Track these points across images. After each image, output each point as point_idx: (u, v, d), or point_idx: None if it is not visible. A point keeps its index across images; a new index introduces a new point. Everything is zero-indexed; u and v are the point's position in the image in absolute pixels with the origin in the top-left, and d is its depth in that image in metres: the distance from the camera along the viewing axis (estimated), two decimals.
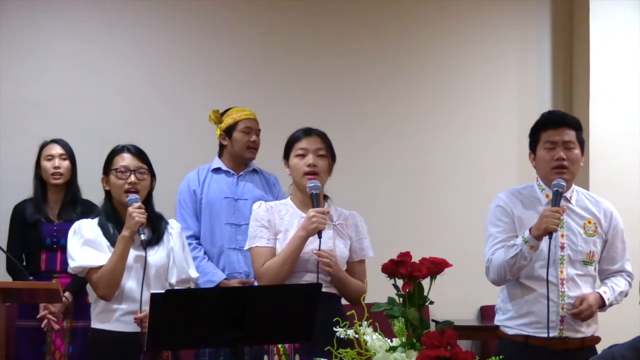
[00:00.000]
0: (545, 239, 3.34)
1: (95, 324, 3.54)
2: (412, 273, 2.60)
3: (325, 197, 3.60)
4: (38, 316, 4.45)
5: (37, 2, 5.42)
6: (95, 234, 3.53)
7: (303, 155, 3.54)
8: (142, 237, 3.45)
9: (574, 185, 3.58)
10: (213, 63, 5.63)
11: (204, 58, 5.62)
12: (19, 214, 4.65)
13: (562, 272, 3.42)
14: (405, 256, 2.65)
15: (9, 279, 4.55)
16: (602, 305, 3.46)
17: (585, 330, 3.45)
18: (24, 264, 4.58)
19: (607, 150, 5.67)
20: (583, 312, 3.37)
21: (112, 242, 3.49)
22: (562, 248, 3.44)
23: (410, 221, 5.75)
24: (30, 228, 4.59)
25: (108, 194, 3.61)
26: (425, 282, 2.66)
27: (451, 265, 2.69)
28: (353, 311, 2.63)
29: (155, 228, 3.60)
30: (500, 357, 2.57)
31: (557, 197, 3.40)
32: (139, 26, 5.57)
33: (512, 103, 5.91)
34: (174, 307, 2.66)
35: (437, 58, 5.92)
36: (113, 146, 3.69)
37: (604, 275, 3.57)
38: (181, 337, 2.74)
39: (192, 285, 3.73)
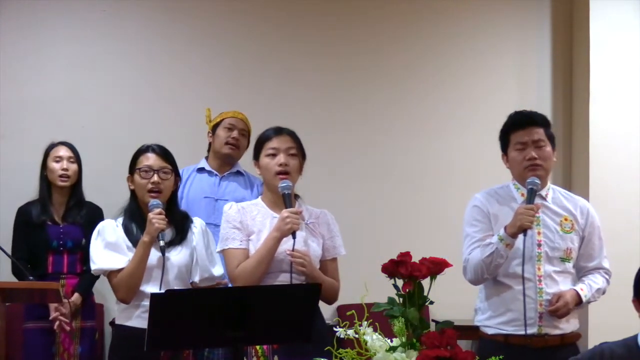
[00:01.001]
0: (521, 236, 3.36)
1: (120, 320, 3.56)
2: (412, 273, 2.60)
3: (296, 196, 3.58)
4: (50, 318, 4.46)
5: (37, 3, 5.42)
6: (117, 236, 3.54)
7: (274, 155, 3.50)
8: (162, 243, 3.45)
9: (549, 183, 3.62)
10: (213, 63, 5.64)
11: (204, 58, 5.63)
12: (24, 215, 4.65)
13: (539, 269, 3.44)
14: (405, 256, 2.64)
15: (13, 280, 4.55)
16: (579, 302, 3.47)
17: (565, 327, 3.46)
18: (29, 265, 4.58)
19: (607, 150, 5.67)
20: (559, 309, 3.39)
21: (134, 243, 3.50)
22: (539, 245, 3.46)
23: (410, 221, 5.75)
24: (36, 229, 4.59)
25: (133, 193, 3.62)
26: (425, 282, 2.66)
27: (451, 265, 2.69)
28: (353, 311, 2.63)
29: (179, 227, 3.61)
30: (500, 357, 2.57)
31: (532, 195, 3.43)
32: (139, 26, 5.58)
33: (512, 103, 5.89)
34: (174, 307, 2.66)
35: (436, 58, 5.92)
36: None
37: (582, 273, 3.58)
38: (181, 337, 2.74)
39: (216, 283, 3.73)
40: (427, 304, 2.64)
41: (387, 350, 2.55)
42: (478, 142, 5.83)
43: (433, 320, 4.83)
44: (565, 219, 3.54)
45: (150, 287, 3.48)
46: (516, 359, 3.23)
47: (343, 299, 3.70)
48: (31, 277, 4.06)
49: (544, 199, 3.54)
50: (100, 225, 3.60)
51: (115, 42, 5.52)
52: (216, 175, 4.49)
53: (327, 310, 3.86)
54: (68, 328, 4.47)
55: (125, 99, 5.50)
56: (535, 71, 5.98)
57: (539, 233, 3.47)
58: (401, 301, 2.62)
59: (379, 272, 2.68)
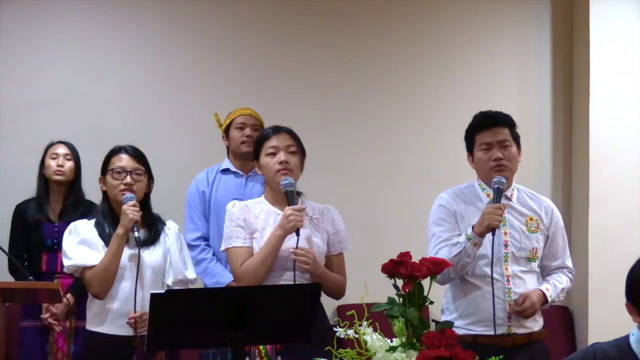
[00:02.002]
0: (488, 236, 3.38)
1: (90, 327, 3.55)
2: (412, 273, 2.60)
3: (299, 193, 3.58)
4: (42, 316, 4.46)
5: (37, 3, 5.42)
6: (91, 234, 3.53)
7: (274, 154, 3.52)
8: (136, 234, 3.45)
9: (514, 183, 3.63)
10: (213, 63, 5.63)
11: (204, 58, 5.62)
12: (20, 213, 4.66)
13: (507, 269, 3.46)
14: (405, 256, 2.65)
15: (10, 279, 4.55)
16: (545, 302, 3.50)
17: (532, 325, 3.50)
18: (26, 264, 4.58)
19: (607, 150, 5.66)
20: (526, 309, 3.42)
21: (108, 242, 3.49)
22: (506, 245, 3.49)
23: (411, 221, 5.74)
24: (31, 228, 4.60)
25: (105, 194, 3.62)
26: (425, 282, 2.66)
27: (451, 265, 2.70)
28: (353, 311, 2.63)
29: (152, 228, 3.59)
30: (500, 357, 2.58)
31: (498, 195, 3.45)
32: (139, 27, 5.57)
33: (512, 103, 5.90)
34: (174, 307, 2.66)
35: (436, 58, 5.92)
36: (113, 146, 3.69)
37: (546, 272, 3.61)
38: (181, 337, 2.74)
39: (190, 286, 3.72)
40: (427, 304, 2.65)
41: (387, 350, 2.55)
42: None
43: (433, 320, 4.82)
44: (531, 219, 3.57)
45: (124, 284, 3.47)
46: (485, 358, 3.26)
47: (343, 298, 3.70)
48: (31, 277, 4.07)
49: (509, 199, 3.56)
50: (72, 224, 3.59)
51: (115, 42, 5.51)
52: (242, 175, 4.47)
53: (327, 310, 3.85)
54: (59, 328, 4.45)
55: (125, 99, 5.50)
56: (535, 71, 5.98)
57: (505, 233, 3.50)
58: (401, 301, 2.62)
59: (379, 272, 2.68)
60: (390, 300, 2.65)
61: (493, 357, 2.55)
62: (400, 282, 2.64)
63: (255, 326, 2.69)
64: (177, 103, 5.55)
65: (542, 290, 3.50)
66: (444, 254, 3.41)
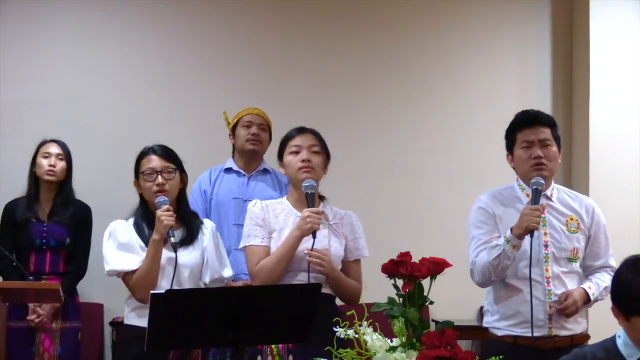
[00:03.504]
0: (527, 237, 3.35)
1: (130, 320, 3.56)
2: (412, 273, 2.60)
3: (322, 198, 3.60)
4: (27, 318, 4.43)
5: (37, 3, 5.43)
6: (129, 236, 3.54)
7: (297, 152, 3.53)
8: (172, 239, 3.45)
9: (554, 183, 3.60)
10: (213, 63, 5.63)
11: (204, 58, 5.63)
12: (9, 213, 4.62)
13: (547, 270, 3.43)
14: (405, 256, 2.65)
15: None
16: (587, 300, 3.46)
17: (574, 328, 3.46)
18: (14, 264, 4.55)
19: (607, 150, 5.66)
20: (568, 307, 3.38)
21: (146, 242, 3.50)
22: (546, 246, 3.45)
23: (410, 221, 5.74)
24: (20, 228, 4.55)
25: (142, 197, 3.62)
26: (425, 282, 2.66)
27: (451, 265, 2.69)
28: (353, 311, 2.63)
29: (189, 227, 3.60)
30: (500, 357, 2.57)
31: (537, 195, 3.41)
32: (139, 26, 5.58)
33: (512, 103, 5.89)
34: (174, 307, 2.66)
35: (436, 58, 5.92)
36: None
37: (589, 272, 3.56)
38: (181, 337, 2.74)
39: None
40: (427, 304, 2.65)
41: (387, 350, 2.55)
42: (478, 141, 5.83)
43: (433, 320, 4.83)
44: (571, 219, 3.52)
45: (163, 284, 3.48)
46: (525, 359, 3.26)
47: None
48: (31, 277, 4.06)
49: (549, 198, 3.52)
50: (111, 226, 3.58)
51: (115, 42, 5.52)
52: (244, 175, 4.48)
53: None
54: (43, 332, 4.43)
55: (125, 99, 5.50)
56: (535, 71, 5.98)
57: (545, 234, 3.45)
58: (401, 301, 2.62)
59: (379, 272, 2.68)
60: (390, 300, 2.65)
61: (493, 358, 2.54)
62: (400, 282, 2.64)
63: (255, 326, 2.69)
64: (177, 103, 5.55)
65: (584, 289, 3.45)
66: (483, 256, 3.40)
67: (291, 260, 3.42)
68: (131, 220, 3.58)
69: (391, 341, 2.59)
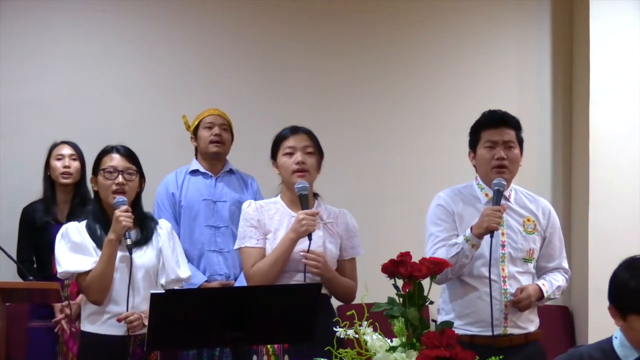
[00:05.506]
0: (487, 237, 3.38)
1: (85, 327, 3.53)
2: (412, 273, 2.60)
3: (315, 195, 3.59)
4: (53, 320, 4.45)
5: (37, 3, 5.42)
6: (82, 237, 3.51)
7: (291, 154, 3.52)
8: (128, 241, 3.44)
9: (512, 184, 3.62)
10: (213, 63, 5.63)
11: (204, 58, 5.63)
12: (28, 216, 4.64)
13: (503, 270, 3.47)
14: (405, 256, 2.65)
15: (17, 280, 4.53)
16: (541, 297, 3.51)
17: (528, 326, 3.51)
18: (35, 266, 4.56)
19: (607, 150, 5.66)
20: (522, 300, 3.42)
21: (99, 244, 3.47)
22: (503, 246, 3.49)
23: (410, 221, 5.74)
24: (40, 231, 4.57)
25: (97, 194, 3.60)
26: (425, 282, 2.66)
27: (451, 265, 2.69)
28: (353, 311, 2.63)
29: (144, 228, 3.58)
30: (500, 357, 2.58)
31: (498, 196, 3.45)
32: (139, 27, 5.57)
33: (512, 103, 5.90)
34: (174, 307, 2.66)
35: (436, 58, 5.92)
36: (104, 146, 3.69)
37: (542, 272, 3.61)
38: (181, 337, 2.74)
39: (184, 285, 3.71)
40: (427, 304, 2.65)
41: (387, 350, 2.55)
42: None
43: (433, 320, 4.82)
44: (528, 220, 3.57)
45: (118, 286, 3.45)
46: (482, 358, 3.26)
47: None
48: (31, 277, 4.06)
49: (507, 199, 3.56)
50: (63, 228, 3.57)
51: (115, 42, 5.52)
52: (211, 176, 4.48)
53: None
54: (69, 331, 4.44)
55: (125, 99, 5.50)
56: (535, 71, 5.98)
57: (502, 234, 3.49)
58: (401, 301, 2.62)
59: (379, 272, 2.68)
60: (390, 300, 2.65)
61: (493, 357, 2.54)
62: (400, 282, 2.64)
63: (255, 326, 2.69)
64: (177, 103, 5.54)
65: (538, 285, 3.51)
66: (441, 254, 3.40)
67: (287, 262, 3.41)
68: (84, 223, 3.56)
69: (391, 341, 2.59)
